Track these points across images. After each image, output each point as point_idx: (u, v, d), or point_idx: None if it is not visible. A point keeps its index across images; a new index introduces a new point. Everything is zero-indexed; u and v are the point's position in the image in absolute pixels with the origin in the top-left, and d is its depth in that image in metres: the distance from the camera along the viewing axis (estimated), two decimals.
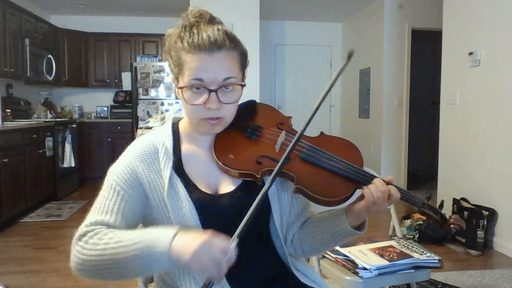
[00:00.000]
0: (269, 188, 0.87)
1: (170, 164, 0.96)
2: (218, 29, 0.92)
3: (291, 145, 0.91)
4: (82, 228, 0.89)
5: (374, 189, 0.94)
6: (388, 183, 0.96)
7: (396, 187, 0.96)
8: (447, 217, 1.07)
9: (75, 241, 0.88)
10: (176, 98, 5.78)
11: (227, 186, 0.99)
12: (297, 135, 0.92)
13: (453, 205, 3.65)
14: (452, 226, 1.05)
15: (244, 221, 0.83)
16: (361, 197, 0.97)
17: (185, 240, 0.80)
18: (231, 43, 0.93)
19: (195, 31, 0.92)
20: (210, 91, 0.91)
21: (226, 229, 0.85)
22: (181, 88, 0.93)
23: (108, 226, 0.90)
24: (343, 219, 0.99)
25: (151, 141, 1.00)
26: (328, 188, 0.95)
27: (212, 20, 0.96)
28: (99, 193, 0.96)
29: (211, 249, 0.79)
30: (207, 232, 0.82)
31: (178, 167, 0.98)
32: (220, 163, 0.96)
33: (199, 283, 0.91)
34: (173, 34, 0.96)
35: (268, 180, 0.88)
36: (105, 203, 0.93)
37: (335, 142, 1.03)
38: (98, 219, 0.90)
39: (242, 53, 0.97)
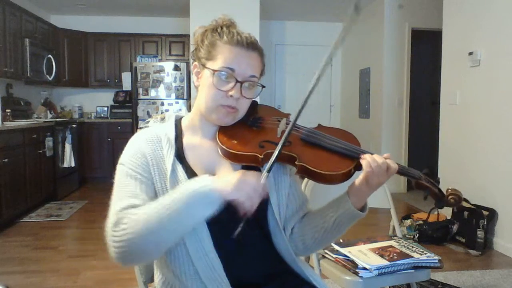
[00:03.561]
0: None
1: (173, 152, 1.02)
2: (251, 37, 1.05)
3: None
4: (113, 216, 0.90)
5: (372, 158, 0.98)
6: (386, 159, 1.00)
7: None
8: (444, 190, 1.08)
9: (110, 229, 0.89)
10: (176, 98, 5.78)
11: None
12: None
13: None
14: (450, 197, 1.07)
15: (275, 154, 0.93)
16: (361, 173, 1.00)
17: (223, 178, 0.89)
18: (261, 51, 1.07)
19: (234, 31, 1.03)
20: (237, 81, 1.00)
21: (222, 211, 0.89)
22: (214, 70, 1.00)
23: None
24: (345, 199, 1.03)
25: (154, 131, 1.06)
26: (328, 163, 1.01)
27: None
28: (115, 185, 0.98)
29: (248, 182, 0.88)
30: (239, 171, 0.91)
31: (180, 156, 1.03)
32: (224, 147, 1.02)
33: (207, 285, 0.96)
34: (208, 29, 1.06)
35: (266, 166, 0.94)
36: (126, 189, 0.95)
37: (332, 129, 1.13)
38: (127, 204, 0.92)
39: (264, 64, 1.09)
